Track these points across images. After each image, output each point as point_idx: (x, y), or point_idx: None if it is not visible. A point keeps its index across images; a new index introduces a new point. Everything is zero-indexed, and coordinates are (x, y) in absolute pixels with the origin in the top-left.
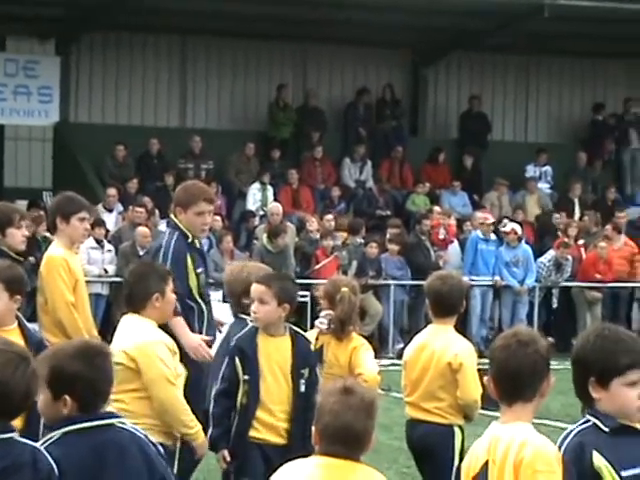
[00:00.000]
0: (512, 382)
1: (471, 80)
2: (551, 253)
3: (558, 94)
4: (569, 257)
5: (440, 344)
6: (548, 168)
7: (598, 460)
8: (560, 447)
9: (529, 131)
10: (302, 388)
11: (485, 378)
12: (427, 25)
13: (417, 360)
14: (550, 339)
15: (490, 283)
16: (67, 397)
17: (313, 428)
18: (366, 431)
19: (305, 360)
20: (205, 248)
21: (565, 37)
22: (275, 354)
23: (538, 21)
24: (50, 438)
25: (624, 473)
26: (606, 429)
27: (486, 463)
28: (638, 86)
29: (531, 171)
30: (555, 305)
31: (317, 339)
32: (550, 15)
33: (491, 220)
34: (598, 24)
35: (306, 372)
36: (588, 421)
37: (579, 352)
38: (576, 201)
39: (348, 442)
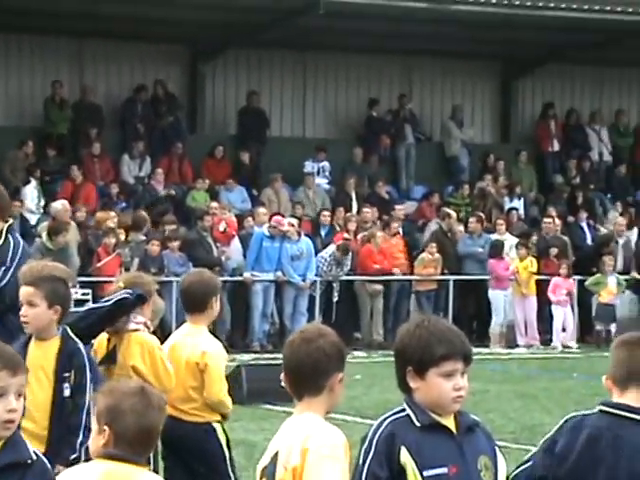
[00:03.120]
0: (296, 377)
1: (249, 76)
2: (331, 248)
3: (334, 90)
4: (349, 254)
5: (190, 344)
6: (326, 164)
7: (405, 457)
8: (375, 432)
9: (307, 127)
10: (66, 392)
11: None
12: (204, 21)
13: (171, 360)
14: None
15: (272, 278)
16: None
17: (98, 431)
18: (159, 433)
19: (70, 363)
20: None
21: (341, 33)
22: (41, 359)
23: (314, 17)
24: None
25: (426, 473)
26: (418, 424)
27: (276, 454)
28: (412, 82)
29: (309, 167)
30: (336, 299)
31: (109, 340)
32: (326, 11)
33: (286, 228)
34: (373, 21)
35: (72, 375)
36: (404, 410)
37: (398, 342)
38: (353, 196)
39: (148, 444)
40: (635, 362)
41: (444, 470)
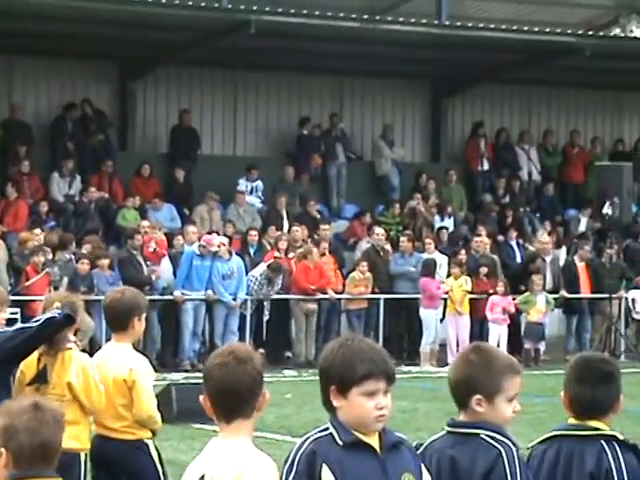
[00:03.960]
0: (231, 400)
1: (179, 94)
2: (262, 266)
3: (266, 108)
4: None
5: (116, 362)
6: (259, 183)
7: (326, 475)
8: (297, 451)
9: (238, 145)
10: None
11: (201, 397)
12: (133, 38)
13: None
14: (261, 350)
15: (202, 297)
16: None
17: None
18: (60, 445)
19: None
20: None
21: (272, 52)
22: None
23: (245, 36)
24: None
25: None
26: (340, 442)
27: (202, 477)
28: (343, 101)
29: (243, 185)
30: (267, 317)
31: (39, 360)
32: (257, 30)
33: (215, 248)
34: (304, 40)
35: None
36: (327, 429)
37: (322, 361)
38: (284, 214)
39: (48, 459)
40: None
41: None
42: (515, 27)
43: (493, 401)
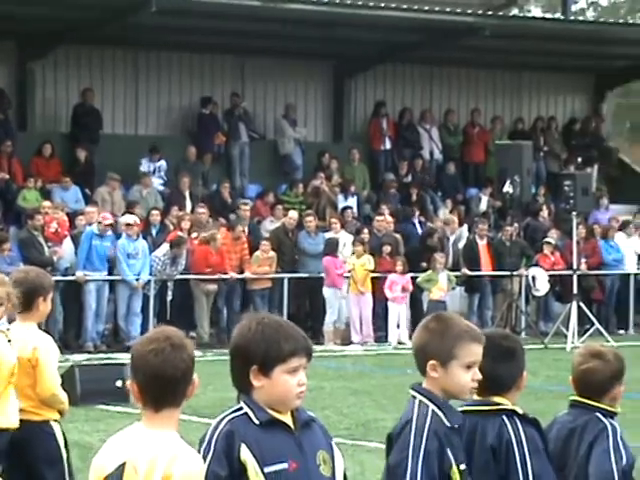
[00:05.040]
0: (165, 387)
1: (80, 74)
2: (165, 247)
3: (168, 88)
4: (184, 251)
5: (20, 341)
6: (162, 163)
7: (245, 454)
8: (214, 432)
9: (139, 125)
10: None
11: (127, 382)
12: (32, 16)
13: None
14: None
15: (106, 278)
16: None
17: None
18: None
19: None
20: None
21: (173, 31)
22: None
23: (146, 15)
24: None
25: (267, 469)
26: (257, 421)
27: (124, 464)
28: (245, 81)
29: (145, 166)
30: (170, 298)
31: None
32: (158, 9)
33: (109, 221)
34: (206, 18)
35: None
36: (241, 409)
37: (240, 341)
38: (187, 195)
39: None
40: None
41: (284, 466)
42: (416, 7)
43: (447, 367)
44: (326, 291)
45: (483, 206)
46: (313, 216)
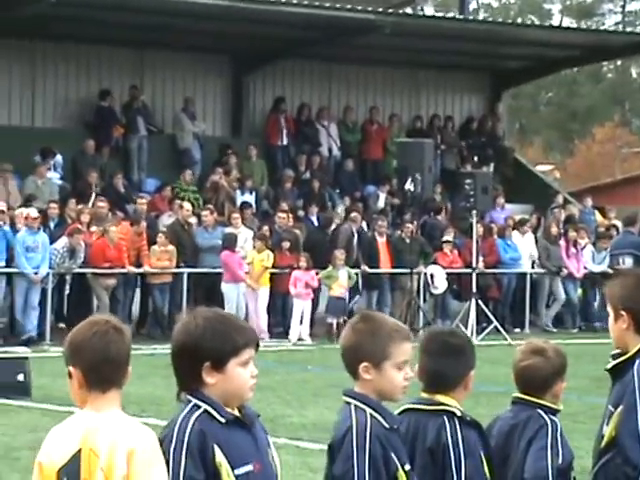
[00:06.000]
0: (112, 369)
1: None
2: (63, 240)
3: (65, 80)
4: (82, 243)
5: None
6: (58, 157)
7: (219, 456)
8: (184, 433)
9: (36, 117)
10: None
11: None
12: None
13: None
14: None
15: (2, 270)
16: None
17: None
18: None
19: None
20: None
21: (71, 22)
22: None
23: (43, 5)
24: None
25: (237, 471)
26: (222, 420)
27: (79, 453)
28: (144, 74)
29: (41, 158)
30: (68, 292)
31: None
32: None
33: (35, 215)
34: (105, 10)
35: None
36: (198, 407)
37: (187, 339)
38: (86, 187)
39: None
40: None
41: (250, 467)
42: (316, 3)
43: (381, 368)
44: (224, 286)
45: (381, 203)
46: (209, 210)
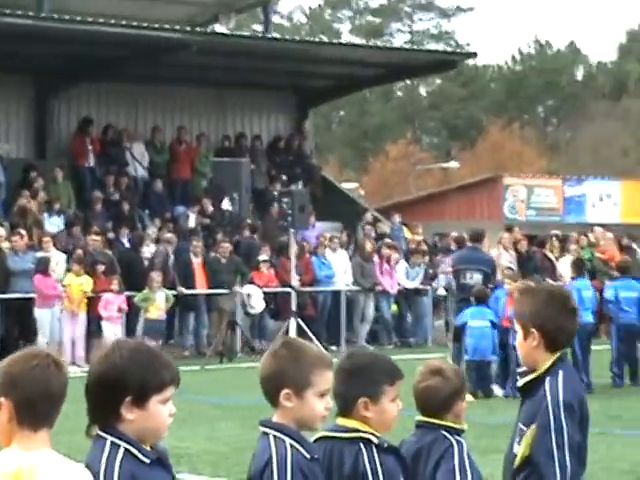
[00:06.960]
0: (49, 406)
1: None
2: None
3: None
4: None
5: None
6: None
7: None
8: (112, 473)
9: None
10: None
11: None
12: None
13: None
14: None
15: None
16: None
17: None
18: None
19: None
20: None
21: None
22: None
23: None
24: None
25: None
26: (146, 460)
27: None
28: None
29: None
30: None
31: None
32: None
33: None
34: None
35: None
36: (117, 446)
37: (109, 370)
38: None
39: None
40: None
41: None
42: (124, 22)
43: (303, 395)
44: (37, 311)
45: (192, 223)
46: (19, 235)
